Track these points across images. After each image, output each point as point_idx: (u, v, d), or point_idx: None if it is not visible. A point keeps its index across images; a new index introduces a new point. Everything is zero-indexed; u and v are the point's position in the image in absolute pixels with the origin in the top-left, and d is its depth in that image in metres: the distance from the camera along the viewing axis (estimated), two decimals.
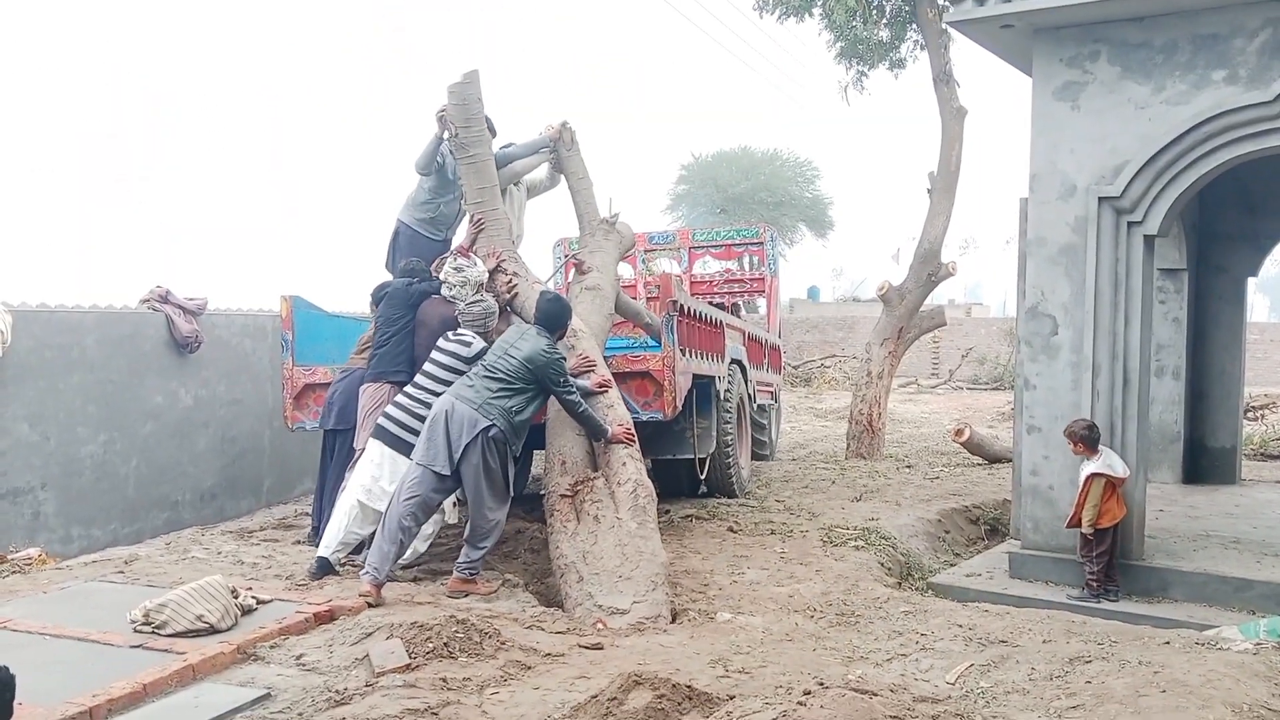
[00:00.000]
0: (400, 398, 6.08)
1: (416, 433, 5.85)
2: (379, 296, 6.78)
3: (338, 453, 6.80)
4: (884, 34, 13.30)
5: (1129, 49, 6.18)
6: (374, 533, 5.78)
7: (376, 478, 5.97)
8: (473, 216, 6.98)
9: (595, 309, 7.18)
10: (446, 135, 6.99)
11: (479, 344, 6.14)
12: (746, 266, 12.29)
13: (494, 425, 5.54)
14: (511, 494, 5.84)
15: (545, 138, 7.91)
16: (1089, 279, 6.23)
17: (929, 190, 12.48)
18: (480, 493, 5.59)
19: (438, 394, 5.91)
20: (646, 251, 11.65)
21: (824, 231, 40.61)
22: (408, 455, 5.85)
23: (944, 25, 10.78)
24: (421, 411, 5.92)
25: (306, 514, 8.45)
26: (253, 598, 5.16)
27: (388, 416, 6.02)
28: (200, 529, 8.05)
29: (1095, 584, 6.06)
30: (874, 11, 13.01)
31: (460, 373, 5.95)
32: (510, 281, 6.84)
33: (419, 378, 6.12)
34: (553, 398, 5.94)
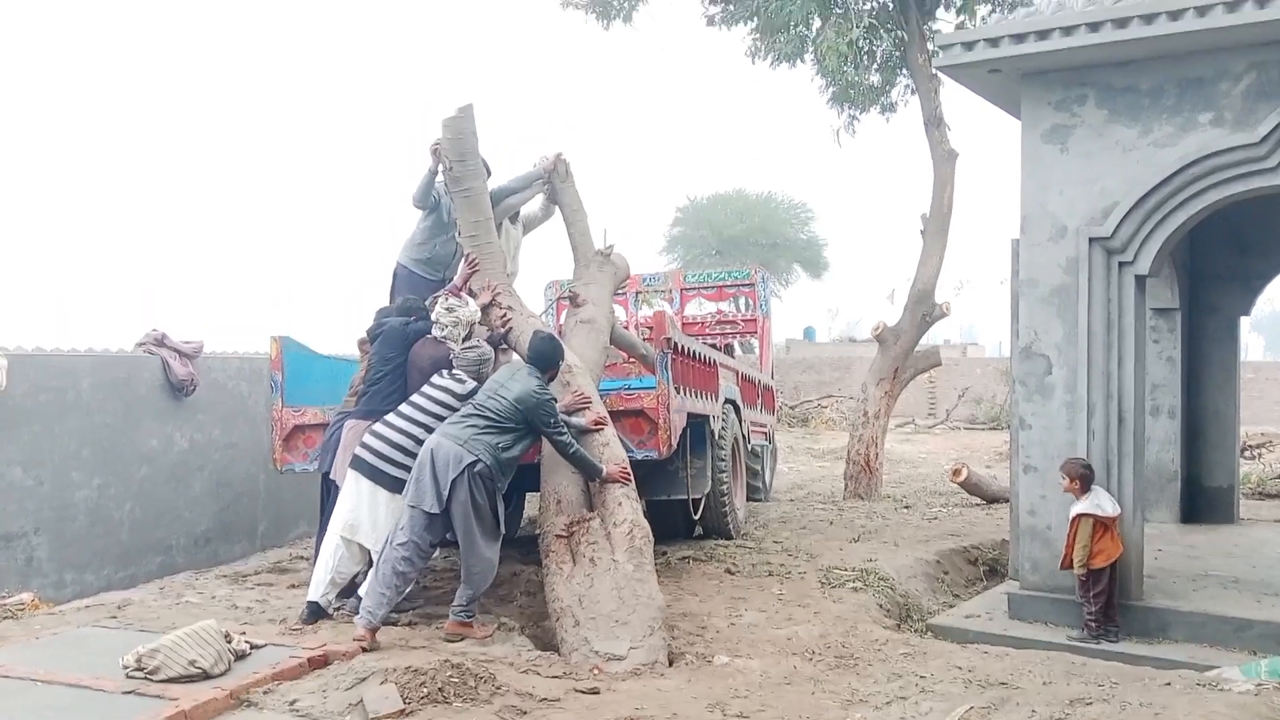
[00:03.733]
0: (378, 427, 5.99)
1: (394, 463, 5.82)
2: (374, 335, 6.77)
3: (336, 496, 6.76)
4: (875, 79, 13.47)
5: (1116, 93, 6.27)
6: (361, 572, 5.74)
7: (354, 509, 5.90)
8: (468, 256, 6.99)
9: (590, 343, 7.17)
10: (441, 169, 7.02)
11: (471, 384, 6.13)
12: (740, 308, 12.34)
13: (479, 461, 5.51)
14: (503, 532, 5.78)
15: (540, 169, 7.94)
16: (1081, 319, 6.27)
17: (922, 232, 12.57)
18: (470, 531, 5.55)
19: (421, 426, 5.89)
20: (639, 293, 11.71)
21: (819, 272, 40.88)
22: (386, 487, 5.82)
23: (934, 70, 10.93)
24: (400, 440, 5.87)
25: (301, 558, 8.41)
26: (246, 643, 5.11)
27: (364, 446, 5.94)
28: (194, 573, 8.01)
29: (1094, 625, 6.03)
30: (865, 57, 13.18)
31: (451, 409, 5.94)
32: (505, 316, 6.83)
33: (403, 408, 6.05)
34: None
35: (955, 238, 12.83)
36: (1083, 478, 6.02)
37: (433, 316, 6.59)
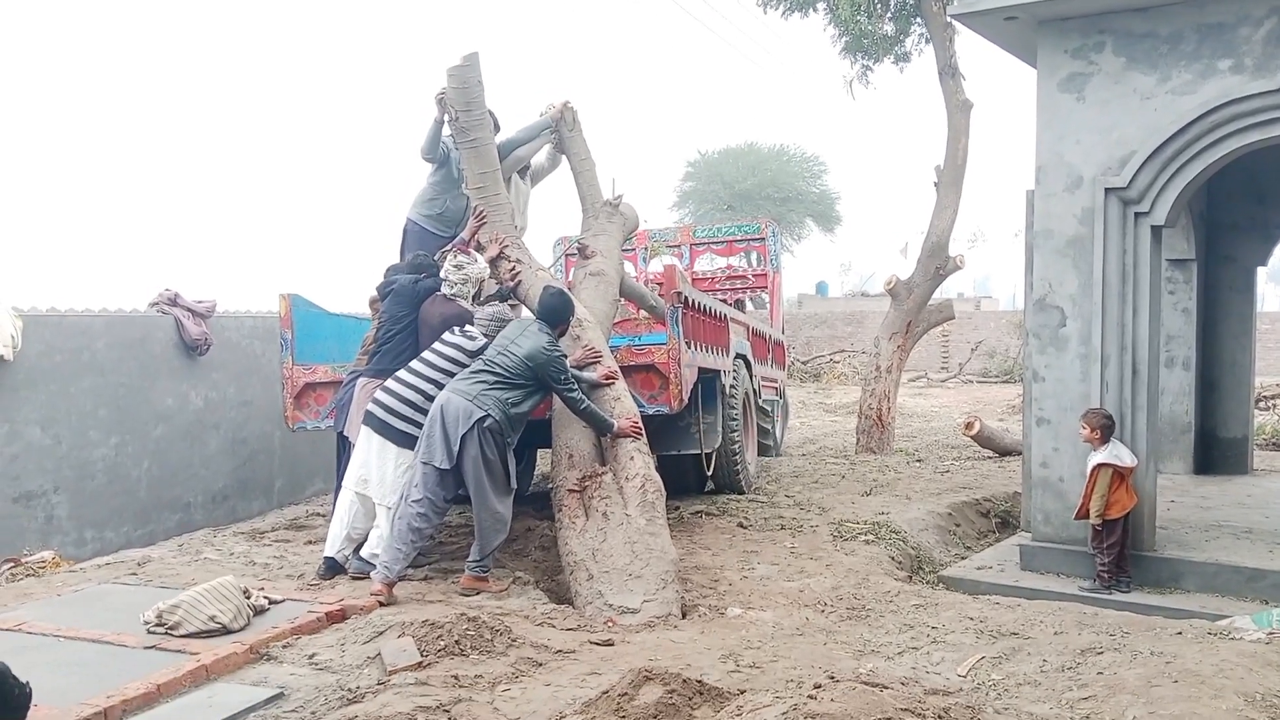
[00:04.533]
0: (389, 383, 6.03)
1: (404, 418, 5.86)
2: (385, 292, 6.76)
3: (350, 454, 6.80)
4: (889, 28, 13.28)
5: (1134, 39, 6.16)
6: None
7: (365, 464, 5.95)
8: (475, 208, 6.95)
9: (600, 295, 7.12)
10: (447, 119, 6.94)
11: (482, 340, 6.13)
12: (750, 263, 12.28)
13: (489, 416, 5.53)
14: (515, 487, 5.81)
15: (547, 119, 7.85)
16: (1096, 270, 6.22)
17: (936, 184, 12.46)
18: (482, 486, 5.58)
19: (432, 382, 5.91)
20: (648, 248, 11.65)
21: (831, 227, 40.62)
22: (396, 441, 5.85)
23: (948, 18, 10.75)
24: (410, 396, 5.90)
25: (318, 514, 8.49)
26: (265, 598, 5.18)
27: (375, 402, 5.98)
28: (212, 530, 8.09)
29: (1106, 575, 6.05)
30: (878, 5, 13.00)
31: (461, 366, 5.95)
32: (514, 269, 6.79)
33: (414, 364, 6.07)
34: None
35: (970, 190, 12.77)
36: (1104, 428, 6.02)
37: (441, 274, 6.56)
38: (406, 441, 5.85)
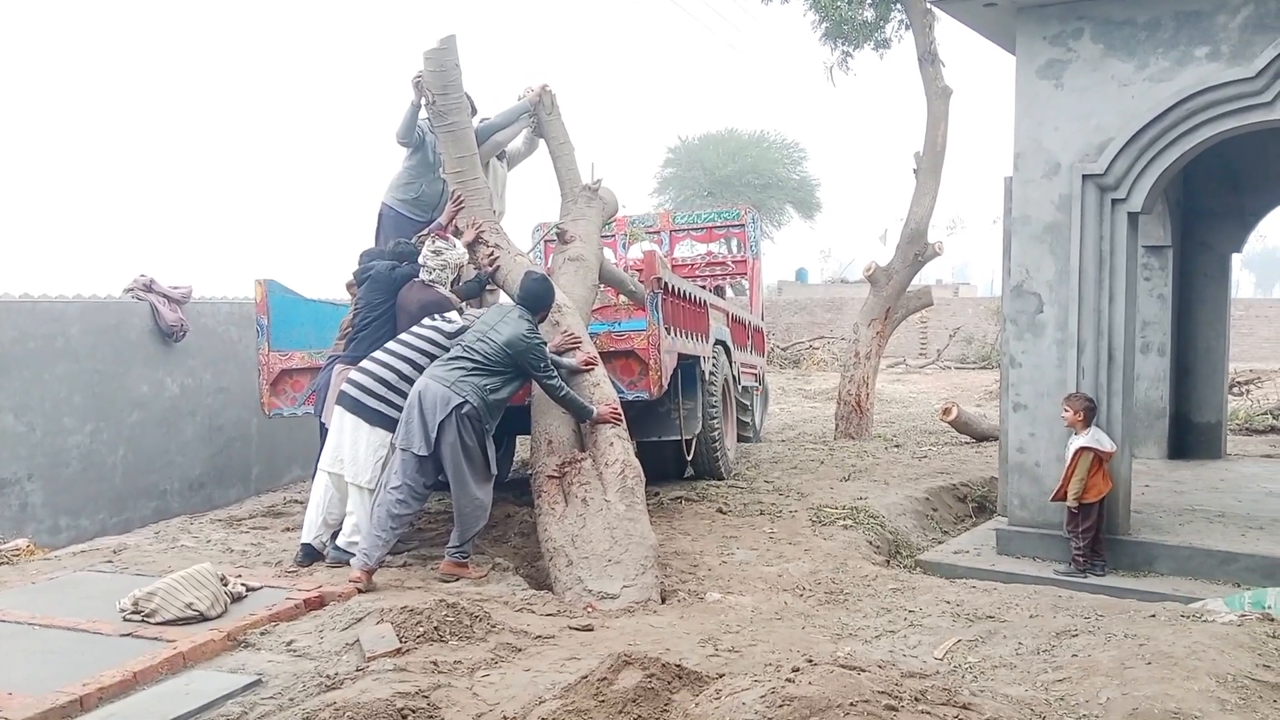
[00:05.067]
0: (364, 363, 6.01)
1: (378, 397, 5.84)
2: (361, 278, 6.72)
3: None
4: (869, 14, 13.28)
5: (1112, 26, 6.18)
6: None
7: (338, 444, 5.93)
8: (453, 193, 6.90)
9: (579, 280, 7.10)
10: (424, 103, 6.88)
11: (459, 323, 6.10)
12: (730, 249, 12.28)
13: (466, 402, 5.51)
14: (494, 473, 5.81)
15: (525, 103, 7.80)
16: (1073, 256, 6.25)
17: (915, 170, 12.49)
18: (461, 472, 5.57)
19: (407, 362, 5.89)
20: (627, 235, 11.63)
21: (811, 213, 40.68)
22: (368, 420, 5.83)
23: (928, 4, 10.75)
24: (383, 374, 5.88)
25: (296, 501, 8.44)
26: (242, 585, 5.16)
27: (349, 382, 5.96)
28: (189, 517, 8.04)
29: (1081, 559, 6.11)
30: None
31: (439, 348, 5.93)
32: (492, 254, 6.75)
33: (389, 345, 6.05)
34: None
35: (949, 177, 12.82)
36: (1087, 410, 6.07)
37: (419, 260, 6.52)
38: (379, 420, 5.83)
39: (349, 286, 7.18)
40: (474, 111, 7.15)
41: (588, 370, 6.15)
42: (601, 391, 6.10)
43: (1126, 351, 6.29)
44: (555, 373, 5.84)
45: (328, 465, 5.97)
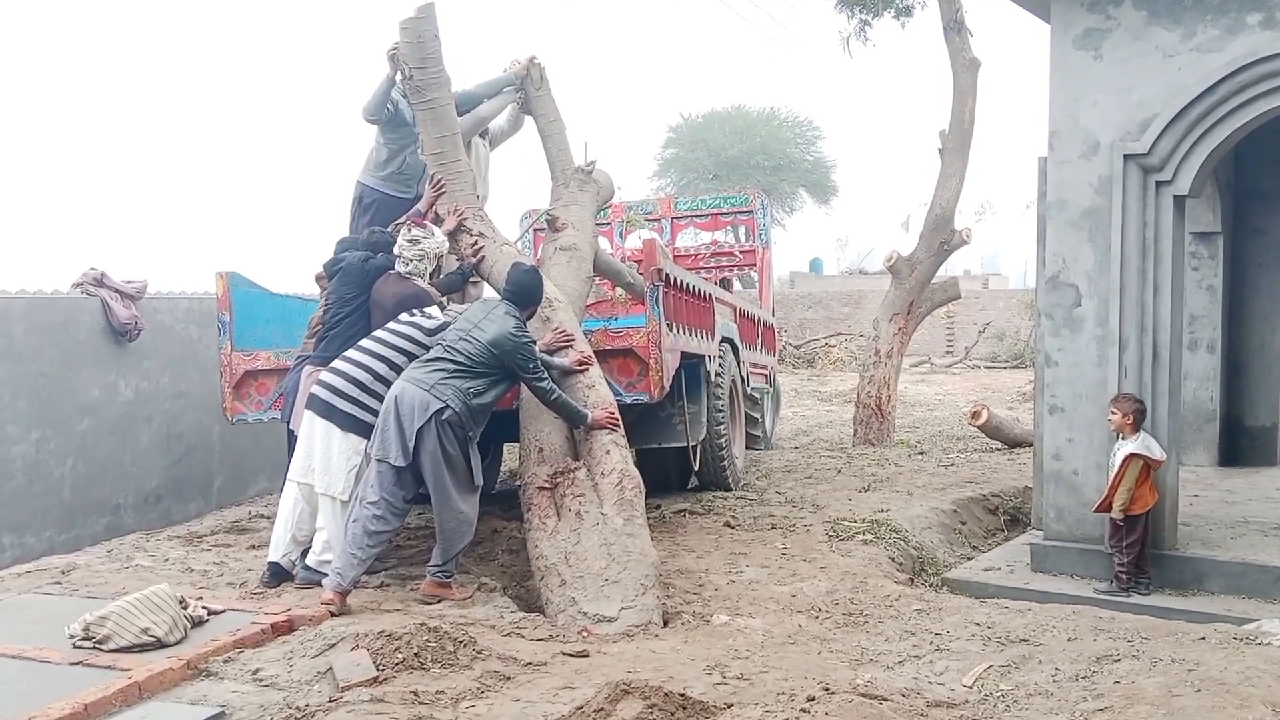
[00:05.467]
0: (335, 363, 6.02)
1: (350, 399, 5.84)
2: (332, 270, 6.70)
3: None
4: None
5: None
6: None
7: (308, 451, 5.93)
8: (432, 177, 6.88)
9: (572, 272, 7.10)
10: (399, 78, 6.86)
11: (440, 319, 6.09)
12: (738, 238, 12.29)
13: (448, 407, 5.50)
14: (479, 484, 5.81)
15: (510, 75, 7.80)
16: (1114, 244, 6.25)
17: (940, 150, 12.49)
18: (443, 484, 5.57)
19: (383, 362, 5.89)
20: (624, 222, 11.63)
21: (827, 198, 40.72)
22: (340, 425, 5.83)
23: None
24: (358, 376, 5.88)
25: (262, 516, 8.45)
26: (203, 608, 5.16)
27: (319, 384, 5.96)
28: (144, 534, 8.03)
29: (1125, 576, 6.11)
30: None
31: (418, 345, 5.92)
32: (475, 243, 6.75)
33: (363, 343, 6.05)
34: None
35: (977, 157, 12.76)
36: (1136, 414, 6.06)
37: (395, 249, 6.51)
38: (353, 426, 5.83)
39: (319, 279, 7.17)
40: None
41: (582, 371, 6.15)
42: (597, 394, 6.09)
43: (1173, 348, 6.28)
44: (546, 374, 5.83)
45: (297, 475, 5.97)
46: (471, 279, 7.02)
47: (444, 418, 5.49)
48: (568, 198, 7.70)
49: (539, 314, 6.25)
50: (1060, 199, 6.50)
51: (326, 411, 5.88)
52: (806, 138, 40.23)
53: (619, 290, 9.16)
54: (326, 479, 5.87)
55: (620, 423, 6.08)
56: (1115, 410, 6.12)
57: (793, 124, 40.16)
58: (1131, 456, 6.03)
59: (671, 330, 7.08)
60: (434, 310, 6.18)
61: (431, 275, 6.63)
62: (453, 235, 6.73)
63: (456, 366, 5.64)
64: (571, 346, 6.20)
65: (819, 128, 40.69)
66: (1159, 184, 6.20)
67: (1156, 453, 6.07)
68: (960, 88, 12.29)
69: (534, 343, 5.90)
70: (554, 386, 5.85)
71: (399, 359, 5.91)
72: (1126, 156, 6.20)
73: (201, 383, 9.18)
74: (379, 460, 5.58)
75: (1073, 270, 6.47)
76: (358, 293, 6.47)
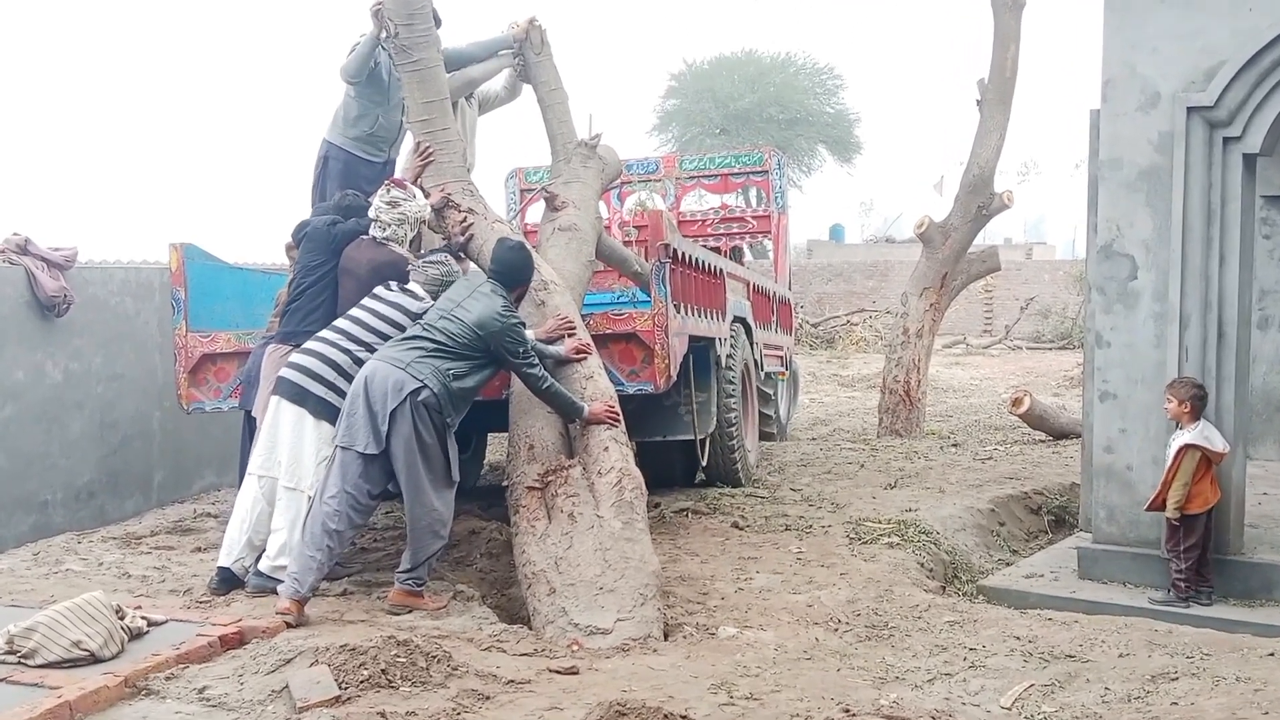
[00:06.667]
0: (310, 343, 6.02)
1: (324, 382, 5.85)
2: (299, 237, 6.70)
3: None
4: None
5: None
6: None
7: (272, 440, 5.94)
8: (418, 145, 6.89)
9: (571, 254, 7.13)
10: (384, 36, 6.87)
11: (428, 302, 6.09)
12: (750, 201, 12.28)
13: (425, 387, 5.50)
14: (457, 479, 5.82)
15: (508, 36, 7.84)
16: (1176, 209, 6.24)
17: (979, 102, 12.47)
18: (416, 476, 5.57)
19: (364, 346, 5.90)
20: (623, 184, 11.61)
21: (849, 155, 40.67)
22: (313, 411, 5.85)
23: None
24: (335, 358, 5.89)
25: (209, 515, 8.46)
26: (143, 618, 5.16)
27: (290, 365, 5.97)
28: (76, 535, 8.04)
29: (1183, 584, 6.13)
30: None
31: (403, 329, 5.93)
32: (464, 220, 6.77)
33: (341, 322, 6.06)
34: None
35: (1020, 110, 12.72)
36: (1195, 400, 6.06)
37: (371, 212, 6.49)
38: (326, 412, 5.83)
39: (289, 249, 7.18)
40: (438, 23, 7.11)
41: (579, 360, 6.16)
42: (595, 385, 6.12)
43: (1241, 327, 6.29)
44: (537, 361, 5.84)
45: (260, 468, 5.96)
46: (460, 259, 7.03)
47: (420, 399, 5.49)
48: (569, 174, 7.73)
49: (533, 297, 6.27)
50: (1114, 157, 6.49)
51: (298, 396, 5.88)
52: (826, 87, 40.11)
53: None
54: (294, 471, 5.87)
55: (620, 417, 6.09)
56: (1171, 397, 6.12)
57: (811, 71, 40.04)
58: (1187, 447, 6.04)
59: (679, 312, 7.09)
60: (419, 289, 6.14)
61: (411, 244, 6.62)
62: (439, 212, 6.73)
63: (436, 346, 5.64)
64: (573, 334, 6.21)
65: (840, 76, 40.55)
66: (1227, 140, 6.19)
67: (1218, 444, 6.07)
68: (1002, 30, 12.26)
69: (524, 325, 5.89)
70: (546, 375, 5.85)
71: (380, 343, 5.90)
72: (1190, 109, 6.18)
73: (140, 363, 9.18)
74: (344, 448, 5.58)
75: (1128, 238, 6.46)
76: (324, 259, 6.47)
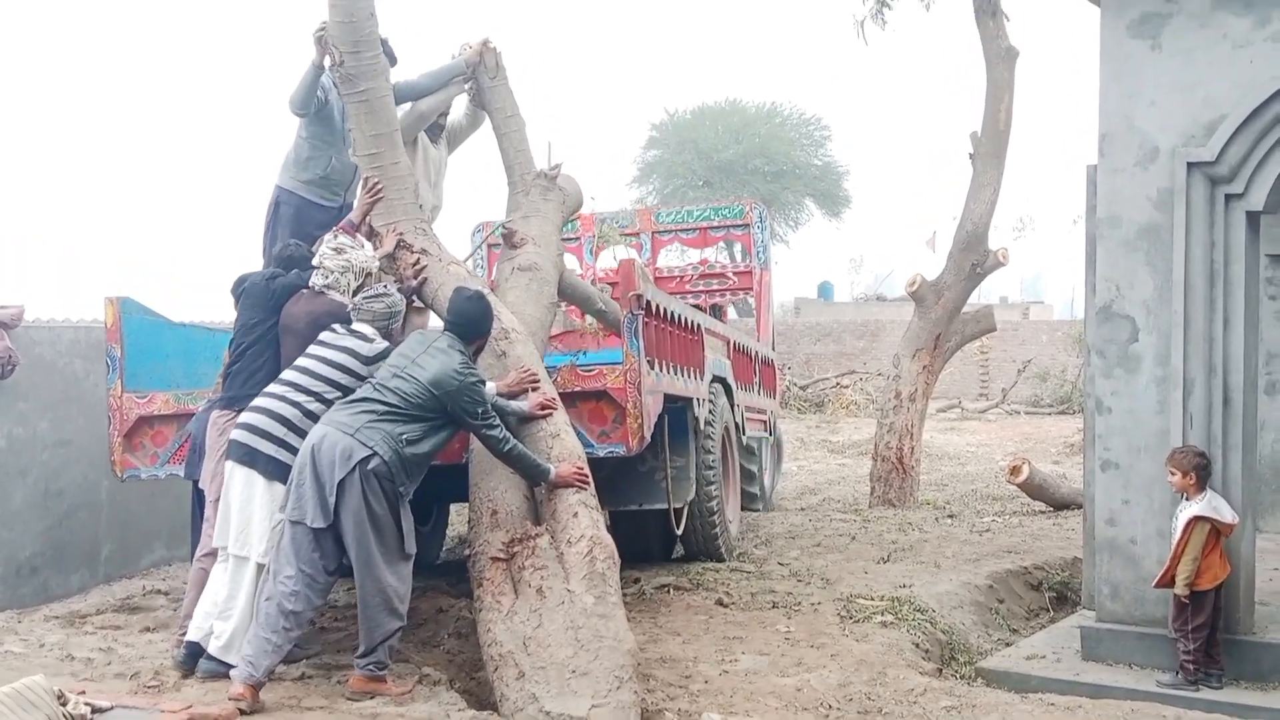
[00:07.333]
0: (260, 400, 5.99)
1: (276, 441, 5.81)
2: (237, 293, 6.67)
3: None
4: None
5: None
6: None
7: (224, 506, 5.90)
8: (365, 180, 6.87)
9: (532, 297, 7.10)
10: (328, 64, 6.86)
11: (382, 344, 6.06)
12: (732, 256, 12.36)
13: (374, 455, 5.44)
14: (412, 552, 5.74)
15: (460, 62, 7.83)
16: (1177, 269, 6.29)
17: (972, 156, 12.63)
18: (368, 549, 5.50)
19: (314, 396, 5.87)
20: (596, 237, 11.66)
21: (838, 210, 41.10)
22: (263, 471, 5.81)
23: None
24: (285, 413, 5.86)
25: (159, 592, 8.38)
26: (87, 705, 5.08)
27: (239, 425, 5.93)
28: (16, 613, 7.94)
29: (1192, 666, 6.10)
30: None
31: (354, 376, 5.90)
32: (417, 262, 6.74)
33: (287, 374, 6.02)
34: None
35: (1014, 164, 12.90)
36: (1199, 470, 6.07)
37: (315, 260, 6.48)
38: (277, 472, 5.79)
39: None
40: (393, 61, 7.12)
41: (544, 416, 6.13)
42: (562, 445, 6.06)
43: (1247, 392, 6.32)
44: (498, 421, 5.79)
45: (235, 549, 5.90)
46: (414, 304, 7.01)
47: (370, 467, 5.44)
48: (528, 208, 7.70)
49: (493, 347, 6.23)
50: (1113, 214, 6.55)
51: (247, 457, 5.84)
52: (814, 138, 40.64)
53: (589, 319, 9.16)
54: (243, 538, 5.81)
55: (590, 480, 6.05)
56: (1174, 469, 6.12)
57: (797, 122, 40.56)
58: (1196, 519, 6.04)
59: (653, 368, 7.07)
60: (368, 330, 6.10)
61: (354, 293, 6.59)
62: (392, 255, 6.72)
63: (388, 409, 5.60)
64: (537, 388, 6.18)
65: (828, 127, 41.15)
66: (1229, 197, 6.26)
67: (1227, 516, 6.08)
68: (995, 82, 12.44)
69: (483, 383, 5.87)
70: (508, 436, 5.80)
71: (331, 392, 5.87)
72: (1190, 165, 6.26)
73: (88, 430, 9.12)
74: (294, 523, 5.53)
75: (1128, 299, 6.51)
76: (263, 317, 6.43)
